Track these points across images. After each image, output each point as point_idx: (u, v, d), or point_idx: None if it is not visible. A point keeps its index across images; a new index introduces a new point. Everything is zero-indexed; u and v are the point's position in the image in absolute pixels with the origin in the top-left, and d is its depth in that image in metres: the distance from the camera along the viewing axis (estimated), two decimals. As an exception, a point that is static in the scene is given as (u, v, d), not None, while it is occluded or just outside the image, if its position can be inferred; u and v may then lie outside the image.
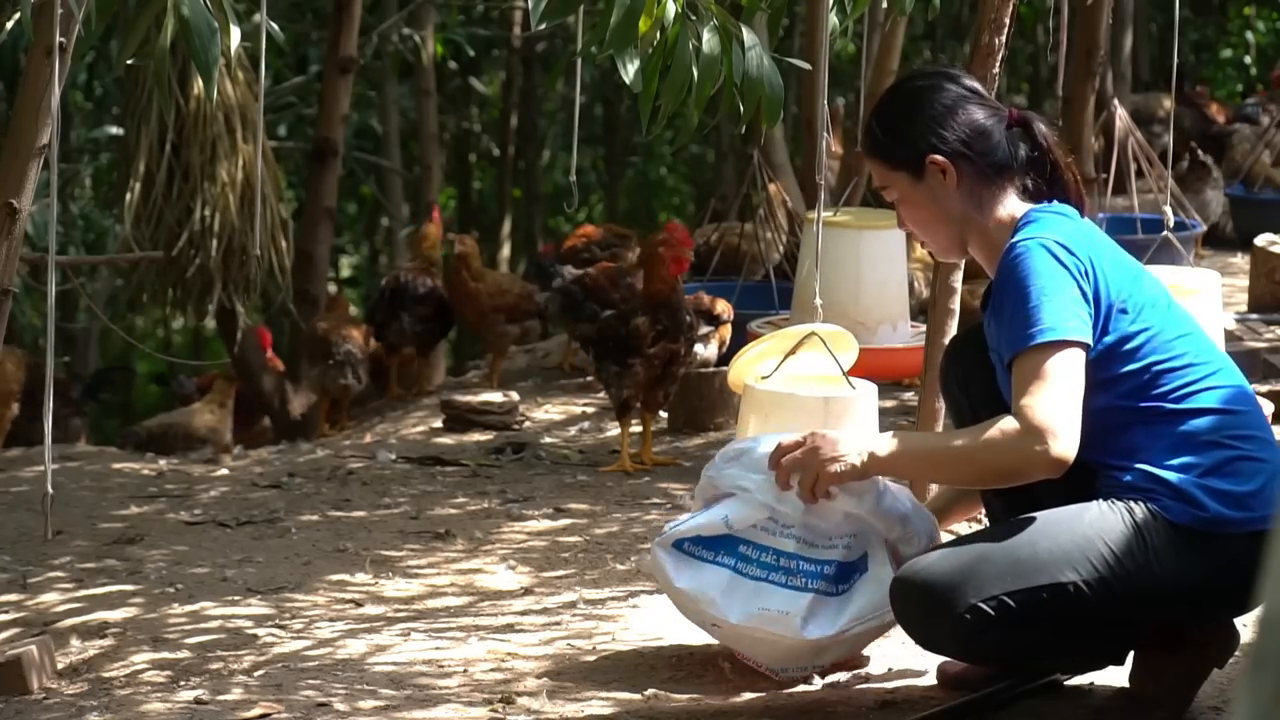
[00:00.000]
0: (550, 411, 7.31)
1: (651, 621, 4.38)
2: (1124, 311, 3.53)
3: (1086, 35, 7.27)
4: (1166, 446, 3.50)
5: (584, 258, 8.01)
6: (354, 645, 4.30)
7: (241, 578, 4.94)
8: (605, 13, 3.83)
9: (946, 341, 4.62)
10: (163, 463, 7.41)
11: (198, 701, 3.93)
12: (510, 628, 4.41)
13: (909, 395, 6.74)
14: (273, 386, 9.66)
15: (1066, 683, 3.82)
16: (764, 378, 4.34)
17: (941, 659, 3.85)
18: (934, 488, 4.34)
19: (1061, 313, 3.46)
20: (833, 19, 4.46)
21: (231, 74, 8.57)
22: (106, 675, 4.20)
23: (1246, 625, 3.69)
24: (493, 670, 4.08)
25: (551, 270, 7.76)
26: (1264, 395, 5.77)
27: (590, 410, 7.25)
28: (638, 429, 6.24)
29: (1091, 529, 3.46)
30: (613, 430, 6.63)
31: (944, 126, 3.69)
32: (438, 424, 7.20)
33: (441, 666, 4.12)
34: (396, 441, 7.16)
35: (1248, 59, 16.38)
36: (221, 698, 3.94)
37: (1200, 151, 10.15)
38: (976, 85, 3.80)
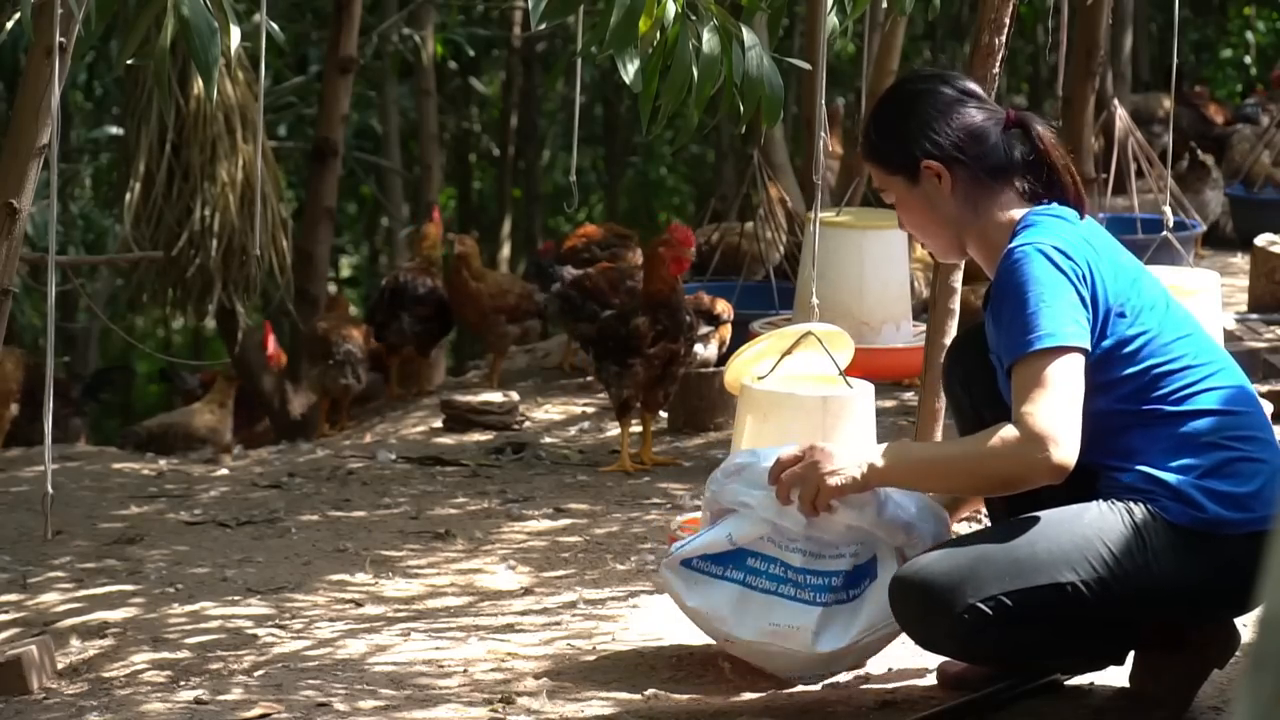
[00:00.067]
0: (550, 411, 7.31)
1: (651, 621, 4.38)
2: (1122, 315, 3.53)
3: (1086, 35, 7.27)
4: (1166, 448, 3.50)
5: (584, 258, 7.99)
6: (354, 645, 4.30)
7: (241, 578, 4.94)
8: (605, 13, 3.83)
9: (947, 341, 4.63)
10: (163, 463, 7.41)
11: (198, 701, 3.93)
12: (510, 628, 4.41)
13: (909, 395, 6.73)
14: (273, 386, 9.65)
15: (1066, 683, 3.82)
16: (761, 378, 4.34)
17: (942, 659, 3.85)
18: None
19: (1060, 318, 3.45)
20: (833, 19, 4.45)
21: (231, 74, 8.56)
22: (106, 675, 4.20)
23: (1246, 625, 3.69)
24: (493, 670, 4.08)
25: (550, 270, 7.75)
26: (1264, 395, 5.77)
27: (590, 410, 7.25)
28: (638, 429, 6.24)
29: (1091, 529, 3.46)
30: (613, 430, 6.63)
31: (938, 131, 3.68)
32: (438, 424, 7.20)
33: (441, 666, 4.12)
34: (396, 441, 7.15)
35: (1248, 59, 16.38)
36: (221, 698, 3.94)
37: (1200, 151, 10.15)
38: (973, 87, 3.77)
